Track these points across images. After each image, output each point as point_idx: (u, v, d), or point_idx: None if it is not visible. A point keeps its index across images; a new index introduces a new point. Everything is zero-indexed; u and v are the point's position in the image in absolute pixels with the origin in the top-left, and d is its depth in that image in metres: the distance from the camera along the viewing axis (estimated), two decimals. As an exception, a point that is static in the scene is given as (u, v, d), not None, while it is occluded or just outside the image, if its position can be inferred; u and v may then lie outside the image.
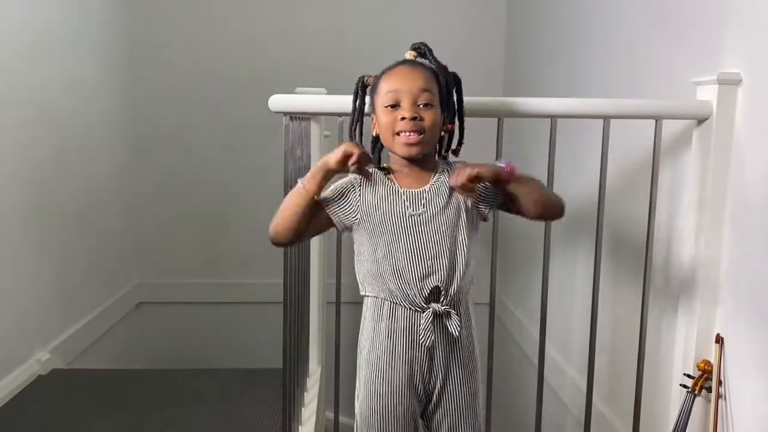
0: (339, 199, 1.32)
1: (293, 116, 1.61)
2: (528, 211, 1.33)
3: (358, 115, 1.38)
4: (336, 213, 1.32)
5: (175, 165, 3.48)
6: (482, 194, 1.33)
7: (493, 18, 3.50)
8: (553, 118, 1.63)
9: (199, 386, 2.26)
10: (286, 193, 1.60)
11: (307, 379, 2.15)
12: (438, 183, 1.32)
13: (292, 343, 1.69)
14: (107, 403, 2.11)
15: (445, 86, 1.34)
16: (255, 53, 3.44)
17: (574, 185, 2.30)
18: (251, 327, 3.51)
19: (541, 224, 1.71)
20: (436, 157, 1.37)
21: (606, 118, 1.62)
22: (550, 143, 1.64)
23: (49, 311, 2.47)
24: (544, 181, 1.67)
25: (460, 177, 1.23)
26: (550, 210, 1.36)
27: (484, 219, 1.36)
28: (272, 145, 1.72)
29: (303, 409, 1.95)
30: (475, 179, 1.23)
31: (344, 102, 1.52)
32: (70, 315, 2.64)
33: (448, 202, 1.31)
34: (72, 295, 2.65)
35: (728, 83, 1.47)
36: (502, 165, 1.26)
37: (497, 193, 1.33)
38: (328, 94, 1.70)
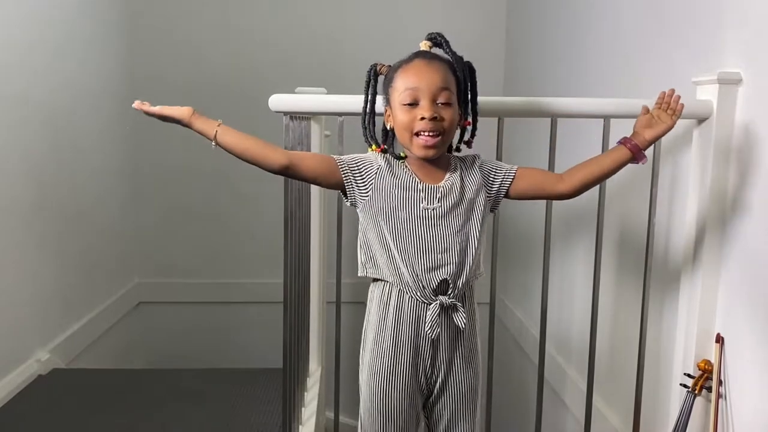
0: (357, 168, 1.31)
1: (293, 116, 1.61)
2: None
3: (371, 105, 1.36)
4: (350, 180, 1.31)
5: (174, 164, 3.48)
6: (498, 177, 1.35)
7: (493, 17, 3.50)
8: (554, 117, 1.63)
9: (199, 386, 2.25)
10: (286, 194, 1.61)
11: (308, 378, 2.15)
12: (452, 178, 1.32)
13: (292, 342, 1.69)
14: (107, 402, 2.11)
15: (463, 79, 1.33)
16: (255, 53, 3.43)
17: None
18: (251, 327, 3.51)
19: (541, 223, 1.71)
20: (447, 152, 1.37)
21: (606, 118, 1.62)
22: (550, 143, 1.64)
23: (49, 311, 2.47)
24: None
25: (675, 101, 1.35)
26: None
27: (494, 209, 1.39)
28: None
29: (303, 408, 1.95)
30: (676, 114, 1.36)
31: (344, 102, 1.52)
32: (70, 315, 2.64)
33: (461, 198, 1.31)
34: (72, 294, 2.65)
35: (728, 83, 1.47)
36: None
37: (509, 174, 1.36)
38: (328, 93, 1.70)
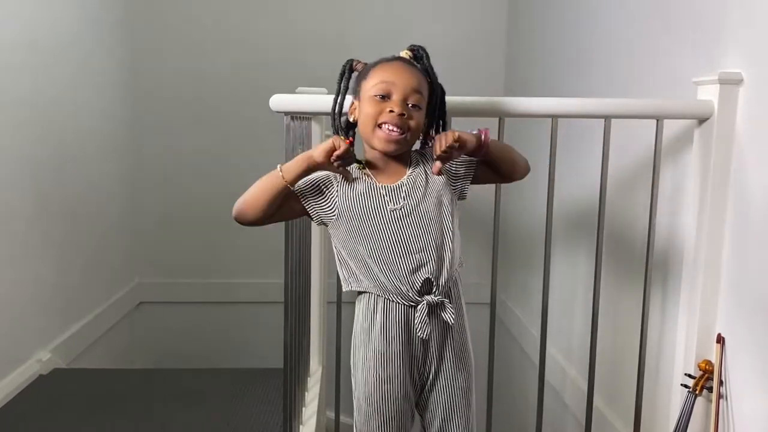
0: (315, 193, 1.31)
1: (294, 116, 1.61)
2: (503, 174, 1.37)
3: (342, 97, 1.36)
4: (312, 207, 1.31)
5: (175, 164, 3.48)
6: (459, 171, 1.34)
7: (495, 17, 3.50)
8: (554, 117, 1.63)
9: (199, 386, 2.25)
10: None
11: (308, 378, 2.15)
12: (414, 174, 1.32)
13: (293, 342, 1.69)
14: (108, 402, 2.11)
15: (435, 94, 1.33)
16: (256, 53, 3.43)
17: (575, 185, 2.30)
18: (251, 327, 3.51)
19: (542, 223, 1.71)
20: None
21: (607, 118, 1.62)
22: (551, 143, 1.64)
23: (50, 311, 2.47)
24: (545, 180, 1.68)
25: (445, 140, 1.23)
26: (520, 168, 1.40)
27: (463, 197, 1.37)
28: (273, 145, 1.72)
29: (304, 408, 1.95)
30: (458, 141, 1.24)
31: (345, 102, 1.52)
32: (71, 315, 2.65)
33: (426, 192, 1.30)
34: (73, 294, 2.66)
35: (729, 83, 1.47)
36: (477, 132, 1.29)
37: (471, 166, 1.35)
38: (328, 93, 1.70)
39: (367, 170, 1.32)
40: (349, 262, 1.32)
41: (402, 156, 1.32)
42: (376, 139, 1.27)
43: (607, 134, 1.62)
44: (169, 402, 2.12)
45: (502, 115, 1.61)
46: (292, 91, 1.65)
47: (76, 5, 2.72)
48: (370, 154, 1.32)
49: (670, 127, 1.64)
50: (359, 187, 1.30)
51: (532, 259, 2.94)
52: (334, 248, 1.35)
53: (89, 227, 2.84)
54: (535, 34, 3.07)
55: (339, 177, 1.31)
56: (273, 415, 2.01)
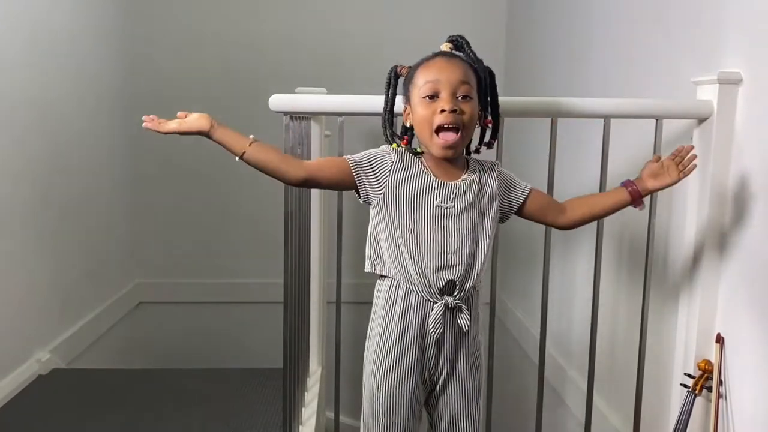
0: (369, 167, 1.29)
1: (294, 116, 1.61)
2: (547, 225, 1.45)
3: (390, 105, 1.35)
4: (362, 181, 1.29)
5: (174, 164, 3.48)
6: (509, 203, 1.36)
7: (494, 18, 3.50)
8: (554, 117, 1.63)
9: (199, 386, 2.25)
10: (285, 194, 1.61)
11: (308, 378, 2.15)
12: (469, 180, 1.31)
13: (292, 342, 1.69)
14: (107, 402, 2.11)
15: (483, 80, 1.32)
16: (255, 53, 3.44)
17: (575, 185, 2.29)
18: (251, 327, 3.51)
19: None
20: (464, 153, 1.36)
21: (606, 118, 1.62)
22: (550, 143, 1.64)
23: (50, 311, 2.47)
24: (545, 180, 1.68)
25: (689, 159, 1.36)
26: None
27: (503, 221, 1.39)
28: (272, 145, 1.72)
29: (303, 408, 1.95)
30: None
31: (345, 102, 1.52)
32: (71, 315, 2.64)
33: (476, 201, 1.30)
34: (72, 294, 2.65)
35: (728, 83, 1.47)
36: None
37: (518, 203, 1.37)
38: (328, 93, 1.70)
39: (424, 161, 1.31)
40: (381, 244, 1.32)
41: (459, 158, 1.32)
42: (434, 147, 1.27)
43: (606, 134, 1.62)
44: (169, 402, 2.12)
45: (501, 115, 1.61)
46: (292, 91, 1.65)
47: (76, 5, 2.71)
48: (427, 152, 1.31)
49: (670, 127, 1.64)
50: (413, 174, 1.29)
51: (532, 259, 2.94)
52: (369, 226, 1.34)
53: (89, 227, 2.84)
54: (535, 34, 3.07)
55: (395, 157, 1.30)
56: (273, 415, 2.01)
